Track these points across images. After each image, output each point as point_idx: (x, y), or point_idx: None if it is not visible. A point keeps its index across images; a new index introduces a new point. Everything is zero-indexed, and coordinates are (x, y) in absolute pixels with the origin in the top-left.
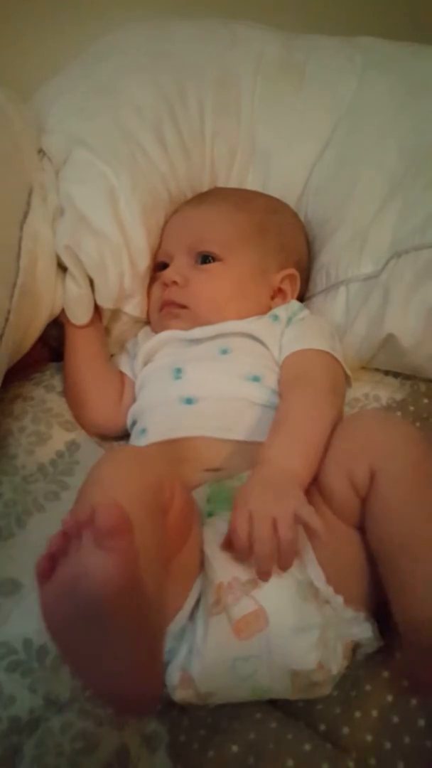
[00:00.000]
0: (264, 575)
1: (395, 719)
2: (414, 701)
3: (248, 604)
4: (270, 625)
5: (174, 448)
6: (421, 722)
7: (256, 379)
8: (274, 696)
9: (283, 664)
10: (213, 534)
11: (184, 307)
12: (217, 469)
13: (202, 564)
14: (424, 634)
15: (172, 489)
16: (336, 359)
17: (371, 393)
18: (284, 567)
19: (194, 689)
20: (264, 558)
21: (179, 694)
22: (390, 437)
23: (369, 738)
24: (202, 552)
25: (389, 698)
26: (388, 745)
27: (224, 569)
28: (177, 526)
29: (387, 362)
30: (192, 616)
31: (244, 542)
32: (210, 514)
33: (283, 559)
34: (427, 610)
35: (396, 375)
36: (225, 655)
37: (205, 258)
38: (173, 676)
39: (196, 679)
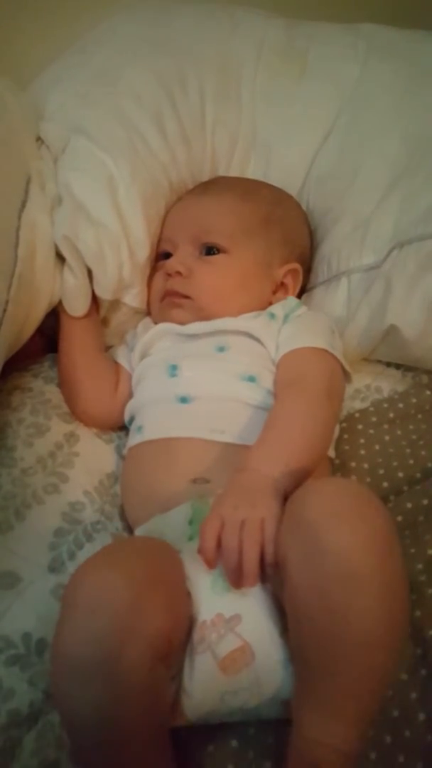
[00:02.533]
0: (233, 583)
1: (395, 713)
2: (414, 695)
3: (233, 641)
4: (257, 660)
5: (166, 449)
6: (422, 716)
7: (251, 379)
8: (266, 718)
9: (273, 695)
10: (192, 566)
11: (186, 297)
12: (204, 480)
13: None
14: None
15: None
16: (334, 357)
17: (373, 384)
18: (248, 575)
19: (186, 720)
20: (230, 564)
21: (172, 722)
22: (305, 522)
23: (369, 732)
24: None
25: (389, 692)
26: (388, 739)
27: (207, 606)
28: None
29: (389, 354)
30: None
31: (208, 549)
32: (191, 538)
33: (246, 564)
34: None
35: (398, 366)
36: (213, 690)
37: (210, 249)
38: None
39: (186, 712)
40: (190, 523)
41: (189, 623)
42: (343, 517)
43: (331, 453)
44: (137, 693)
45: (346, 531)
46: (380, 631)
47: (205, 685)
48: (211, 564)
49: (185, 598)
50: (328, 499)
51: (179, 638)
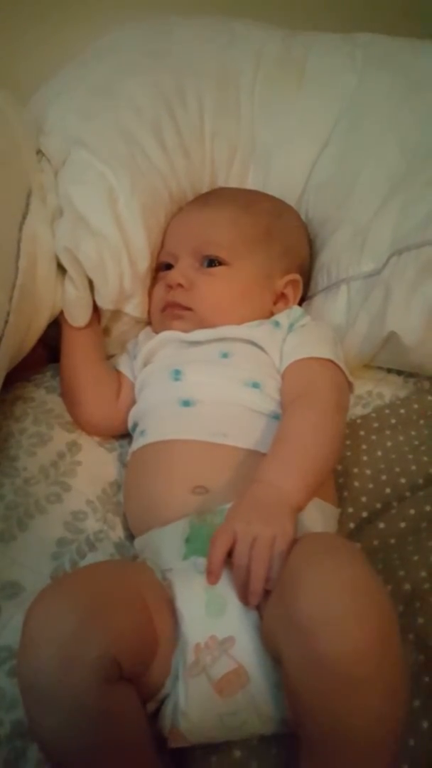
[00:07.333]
0: (243, 599)
1: None
2: (417, 702)
3: (227, 663)
4: (251, 681)
5: (167, 451)
6: (425, 724)
7: (255, 385)
8: (267, 734)
9: (272, 714)
10: (184, 587)
11: (188, 309)
12: (204, 490)
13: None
14: None
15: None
16: (339, 368)
17: (374, 390)
18: (252, 593)
19: (186, 741)
20: (239, 580)
21: (172, 744)
22: (298, 626)
23: None
24: (175, 608)
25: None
26: None
27: (200, 628)
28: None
29: (389, 360)
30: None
31: (216, 563)
32: (185, 557)
33: (252, 582)
34: None
35: (399, 372)
36: (211, 712)
37: (211, 262)
38: (164, 729)
39: (186, 734)
40: (187, 541)
41: (169, 643)
42: (338, 621)
43: None
44: (92, 717)
45: (342, 638)
46: (383, 727)
47: (202, 708)
48: (214, 578)
49: (148, 620)
50: (321, 600)
51: (140, 659)
